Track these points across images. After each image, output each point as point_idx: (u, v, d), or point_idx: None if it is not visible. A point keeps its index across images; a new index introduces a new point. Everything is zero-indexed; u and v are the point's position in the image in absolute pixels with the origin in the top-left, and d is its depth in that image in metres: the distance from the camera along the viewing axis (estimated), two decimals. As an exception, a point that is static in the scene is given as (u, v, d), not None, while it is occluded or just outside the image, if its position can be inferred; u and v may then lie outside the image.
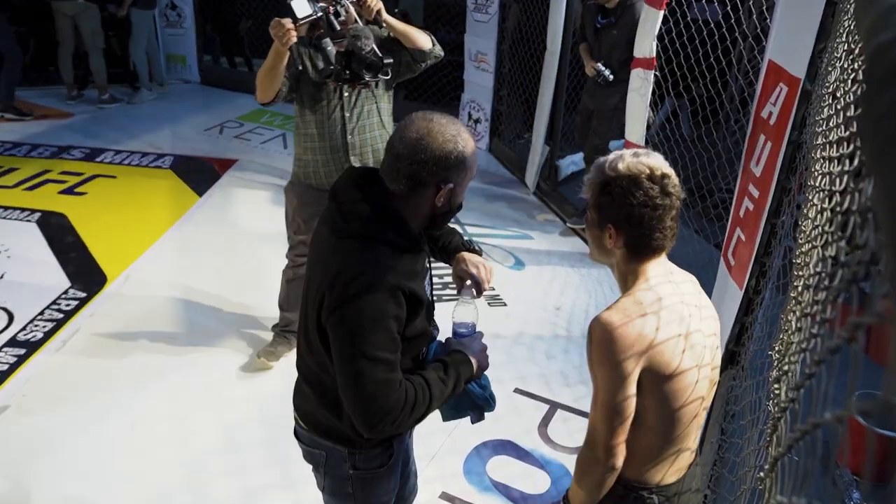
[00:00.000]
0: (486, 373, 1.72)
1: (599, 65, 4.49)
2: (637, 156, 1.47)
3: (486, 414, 1.77)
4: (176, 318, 3.73)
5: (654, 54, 3.75)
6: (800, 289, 1.11)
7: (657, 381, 1.47)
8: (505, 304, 4.04)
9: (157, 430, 2.93)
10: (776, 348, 1.67)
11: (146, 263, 4.27)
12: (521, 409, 3.16)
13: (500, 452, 2.93)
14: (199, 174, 5.67)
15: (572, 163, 5.90)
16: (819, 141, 1.28)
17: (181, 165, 5.86)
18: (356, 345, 1.44)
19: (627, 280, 1.53)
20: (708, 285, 3.48)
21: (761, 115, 2.89)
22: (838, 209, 0.68)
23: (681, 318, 1.48)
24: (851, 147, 0.91)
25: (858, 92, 1.04)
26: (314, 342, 1.58)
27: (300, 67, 2.80)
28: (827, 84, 1.76)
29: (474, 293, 1.75)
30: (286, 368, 3.32)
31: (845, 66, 1.15)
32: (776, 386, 1.08)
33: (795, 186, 2.65)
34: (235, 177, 5.64)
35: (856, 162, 0.86)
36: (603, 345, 1.44)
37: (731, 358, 3.27)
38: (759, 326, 2.85)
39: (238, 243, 4.50)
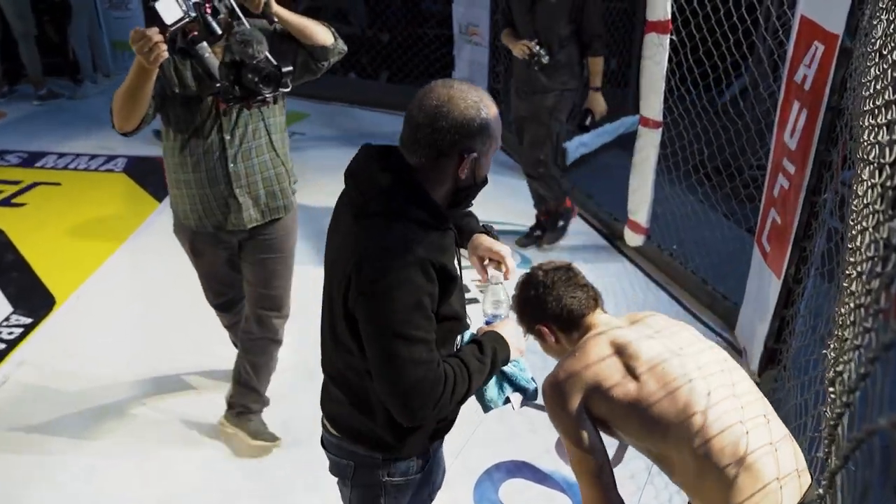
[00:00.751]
0: (521, 359, 1.83)
1: (533, 43, 4.11)
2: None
3: (521, 403, 1.84)
4: (136, 342, 3.72)
5: (669, 16, 3.75)
6: (853, 276, 1.10)
7: (623, 411, 1.74)
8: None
9: (125, 470, 2.92)
10: (831, 346, 1.67)
11: (100, 281, 4.26)
12: (536, 426, 3.15)
13: (515, 475, 2.93)
14: (157, 176, 5.63)
15: (581, 144, 5.91)
16: (867, 106, 1.28)
17: (136, 167, 5.85)
18: (389, 325, 1.49)
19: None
20: (741, 275, 3.49)
21: (794, 79, 2.90)
22: (889, 183, 0.68)
23: (612, 341, 1.81)
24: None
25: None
26: (342, 336, 1.64)
27: (175, 90, 2.51)
28: (871, 40, 1.75)
29: (502, 278, 1.82)
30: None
31: (892, 17, 1.14)
32: (832, 389, 1.07)
33: (838, 159, 2.65)
34: (197, 177, 5.62)
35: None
36: (548, 403, 1.81)
37: (770, 357, 3.28)
38: (801, 320, 2.85)
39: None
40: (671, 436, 1.68)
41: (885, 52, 1.14)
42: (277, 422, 3.04)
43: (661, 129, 4.04)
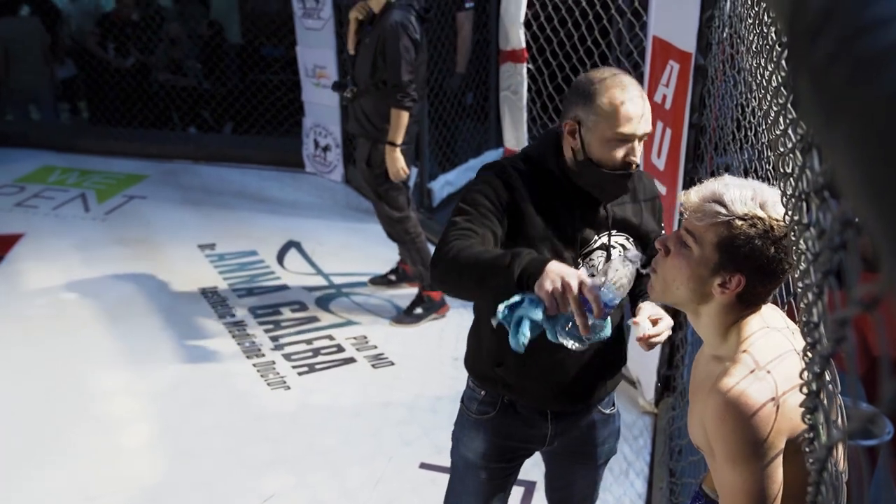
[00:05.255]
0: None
1: (348, 77, 4.11)
2: (764, 199, 1.44)
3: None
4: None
5: (523, 44, 3.87)
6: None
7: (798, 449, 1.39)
8: (392, 364, 3.98)
9: None
10: None
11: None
12: (433, 489, 3.09)
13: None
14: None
15: (447, 183, 5.97)
16: (771, 118, 1.32)
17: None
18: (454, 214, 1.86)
19: (728, 332, 1.52)
20: (626, 305, 3.58)
21: (654, 99, 3.03)
22: (797, 192, 0.69)
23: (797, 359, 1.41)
24: (786, 122, 0.93)
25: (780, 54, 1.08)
26: None
27: None
28: (744, 54, 1.85)
29: (638, 262, 1.60)
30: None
31: (765, 31, 1.19)
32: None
33: (706, 176, 2.78)
34: (23, 256, 5.27)
35: (792, 134, 0.89)
36: (743, 426, 1.39)
37: (665, 384, 3.37)
38: (691, 346, 2.95)
39: (41, 345, 4.18)
40: (789, 429, 1.41)
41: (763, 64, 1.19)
42: None
43: (527, 161, 4.13)
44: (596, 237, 1.89)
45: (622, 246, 1.93)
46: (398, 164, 3.95)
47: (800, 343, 1.45)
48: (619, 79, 1.78)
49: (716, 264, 1.46)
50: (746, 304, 1.49)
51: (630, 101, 1.76)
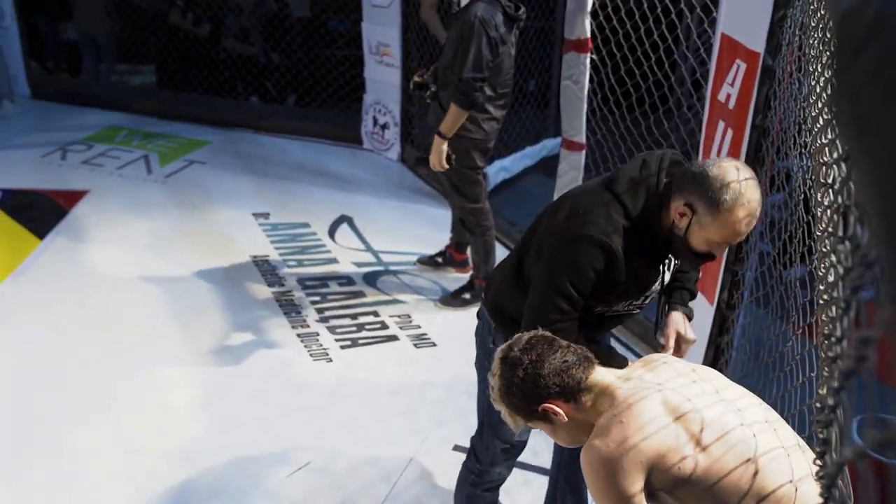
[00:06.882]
0: None
1: (424, 70, 4.01)
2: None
3: None
4: (15, 411, 3.50)
5: (588, 34, 3.83)
6: (822, 305, 1.10)
7: (689, 487, 1.58)
8: (434, 345, 4.01)
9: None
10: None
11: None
12: (464, 473, 3.11)
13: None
14: (39, 212, 5.43)
15: (502, 168, 5.96)
16: (820, 123, 1.31)
17: (13, 202, 5.59)
18: (553, 275, 1.93)
19: (597, 407, 1.71)
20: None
21: (718, 98, 2.98)
22: (835, 204, 0.68)
23: (665, 402, 1.64)
24: (835, 132, 0.92)
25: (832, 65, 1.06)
26: (530, 243, 2.09)
27: None
28: (810, 58, 1.81)
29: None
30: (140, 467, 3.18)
31: (826, 37, 1.17)
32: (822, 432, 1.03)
33: (766, 180, 2.73)
34: (87, 213, 5.42)
35: (840, 147, 0.88)
36: (598, 480, 1.61)
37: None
38: (739, 349, 2.90)
39: (96, 300, 4.31)
40: (646, 470, 1.60)
41: (819, 69, 1.17)
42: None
43: (584, 152, 4.10)
44: (658, 272, 2.05)
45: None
46: (441, 155, 3.86)
47: (685, 390, 1.67)
48: (749, 190, 1.77)
49: (539, 417, 1.72)
50: (573, 396, 1.70)
51: (751, 217, 1.79)
